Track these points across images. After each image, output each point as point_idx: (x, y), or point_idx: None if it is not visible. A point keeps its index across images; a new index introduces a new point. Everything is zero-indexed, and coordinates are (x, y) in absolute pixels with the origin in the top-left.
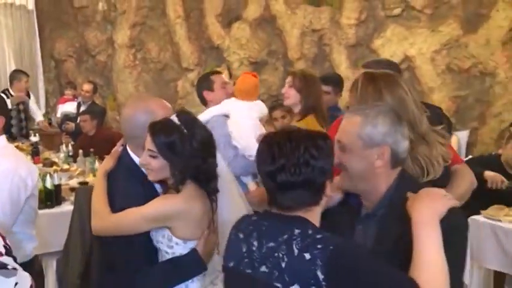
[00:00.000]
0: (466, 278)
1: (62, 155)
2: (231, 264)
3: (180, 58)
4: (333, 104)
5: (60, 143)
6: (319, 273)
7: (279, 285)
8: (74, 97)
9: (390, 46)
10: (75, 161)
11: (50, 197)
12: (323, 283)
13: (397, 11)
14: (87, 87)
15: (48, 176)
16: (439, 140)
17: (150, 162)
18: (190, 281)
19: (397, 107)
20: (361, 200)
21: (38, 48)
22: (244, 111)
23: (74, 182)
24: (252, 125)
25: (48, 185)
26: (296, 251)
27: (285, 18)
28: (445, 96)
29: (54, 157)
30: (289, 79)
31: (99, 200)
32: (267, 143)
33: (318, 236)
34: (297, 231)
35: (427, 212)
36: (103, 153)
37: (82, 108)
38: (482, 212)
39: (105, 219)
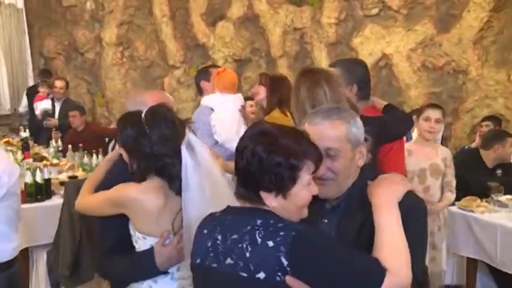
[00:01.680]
0: (444, 265)
1: (51, 150)
2: (198, 260)
3: (166, 56)
4: None
5: (44, 139)
6: (283, 260)
7: (244, 274)
8: (47, 94)
9: (368, 44)
10: (64, 156)
11: (40, 191)
12: (288, 269)
13: (374, 11)
14: (60, 83)
15: (38, 170)
16: None
17: (122, 152)
18: (152, 280)
19: (310, 99)
20: None
21: (28, 46)
22: (229, 105)
23: (63, 176)
24: (235, 119)
25: (38, 179)
26: (259, 240)
27: (268, 17)
28: (420, 92)
29: (44, 152)
30: (259, 79)
31: (88, 181)
32: (259, 123)
33: (280, 224)
34: (259, 221)
35: (386, 195)
36: (92, 148)
37: (56, 105)
38: (456, 203)
39: (83, 198)
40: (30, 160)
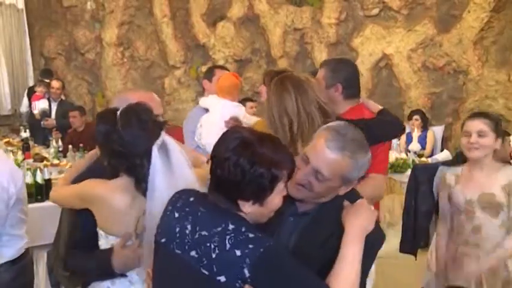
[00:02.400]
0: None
1: (52, 150)
2: (163, 240)
3: (166, 56)
4: None
5: (43, 138)
6: (245, 271)
7: (206, 272)
8: (44, 94)
9: (369, 45)
10: (65, 156)
11: (41, 191)
12: (248, 280)
13: (375, 11)
14: (56, 84)
15: (38, 170)
16: None
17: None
18: (110, 282)
19: (277, 106)
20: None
21: (28, 46)
22: (220, 110)
23: None
24: (222, 126)
25: (39, 179)
26: (228, 245)
27: (268, 18)
28: (421, 93)
29: (44, 152)
30: (263, 79)
31: (66, 172)
32: (233, 131)
33: (251, 236)
34: (231, 226)
35: (357, 226)
36: (92, 148)
37: (53, 105)
38: None
39: (57, 188)
40: (31, 160)
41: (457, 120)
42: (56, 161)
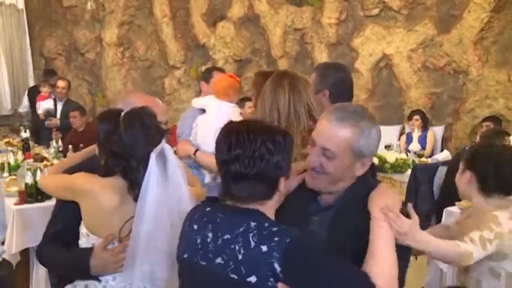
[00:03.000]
0: (444, 266)
1: (52, 150)
2: (186, 255)
3: (166, 56)
4: None
5: (46, 138)
6: (276, 265)
7: (235, 276)
8: (49, 94)
9: (369, 45)
10: (65, 156)
11: (41, 192)
12: (280, 275)
13: (375, 11)
14: (62, 83)
15: (38, 170)
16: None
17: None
18: (83, 285)
19: (270, 99)
20: (316, 192)
21: (28, 47)
22: (216, 111)
23: None
24: (216, 127)
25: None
26: (253, 243)
27: (268, 18)
28: (421, 93)
29: (44, 152)
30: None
31: (60, 162)
32: (226, 131)
33: (275, 229)
34: (253, 223)
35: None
36: None
37: (59, 105)
38: (456, 203)
39: (47, 175)
40: (31, 160)
41: (457, 121)
42: (56, 161)
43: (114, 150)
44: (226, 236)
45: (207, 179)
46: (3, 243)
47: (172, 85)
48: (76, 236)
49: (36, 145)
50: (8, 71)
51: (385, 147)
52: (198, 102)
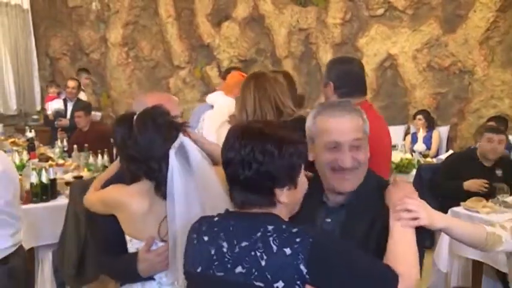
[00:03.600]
0: (445, 267)
1: (57, 150)
2: (199, 269)
3: (171, 56)
4: None
5: (55, 139)
6: (302, 267)
7: (260, 284)
8: (58, 94)
9: (374, 45)
10: (70, 156)
11: (46, 191)
12: (306, 276)
13: (380, 11)
14: (72, 83)
15: (43, 170)
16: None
17: None
18: (140, 284)
19: (240, 102)
20: (321, 195)
21: (33, 47)
22: (220, 107)
23: (68, 176)
24: (222, 123)
25: (44, 179)
26: (275, 247)
27: (273, 18)
28: (426, 93)
29: (49, 152)
30: None
31: (98, 177)
32: (231, 130)
33: (294, 230)
34: (270, 227)
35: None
36: (97, 149)
37: (69, 105)
38: (461, 203)
39: (89, 193)
40: (36, 160)
41: (462, 121)
42: (61, 161)
43: (131, 154)
44: (244, 243)
45: None
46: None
47: (177, 85)
48: (125, 244)
49: (41, 145)
50: (14, 71)
51: None
52: (209, 99)
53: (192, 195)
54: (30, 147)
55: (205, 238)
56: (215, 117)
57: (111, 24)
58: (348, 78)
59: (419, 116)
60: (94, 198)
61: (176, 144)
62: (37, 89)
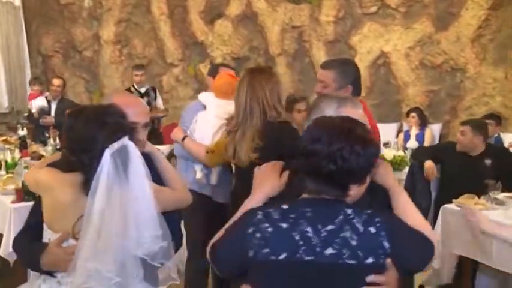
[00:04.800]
0: (436, 263)
1: (49, 148)
2: (282, 256)
3: (164, 54)
4: None
5: (39, 136)
6: (385, 243)
7: (352, 262)
8: (41, 92)
9: (367, 42)
10: None
11: None
12: (388, 251)
13: (373, 9)
14: (57, 82)
15: None
16: None
17: None
18: (41, 279)
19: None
20: None
21: (25, 44)
22: (215, 110)
23: None
24: (214, 125)
25: None
26: (361, 228)
27: (266, 15)
28: (419, 90)
29: (42, 150)
30: None
31: (44, 159)
32: (315, 124)
33: (369, 211)
34: (348, 210)
35: (394, 180)
36: None
37: (53, 104)
38: (453, 200)
39: (31, 170)
40: (28, 158)
41: (454, 118)
42: None
43: (69, 145)
44: (330, 227)
45: (199, 175)
46: None
47: (170, 83)
48: (41, 230)
49: (33, 143)
50: (5, 69)
51: (383, 144)
52: (202, 97)
53: (116, 198)
54: (22, 145)
55: (284, 225)
56: (210, 119)
57: (103, 21)
58: (358, 81)
59: (413, 114)
60: (30, 176)
61: (117, 145)
62: (29, 86)
